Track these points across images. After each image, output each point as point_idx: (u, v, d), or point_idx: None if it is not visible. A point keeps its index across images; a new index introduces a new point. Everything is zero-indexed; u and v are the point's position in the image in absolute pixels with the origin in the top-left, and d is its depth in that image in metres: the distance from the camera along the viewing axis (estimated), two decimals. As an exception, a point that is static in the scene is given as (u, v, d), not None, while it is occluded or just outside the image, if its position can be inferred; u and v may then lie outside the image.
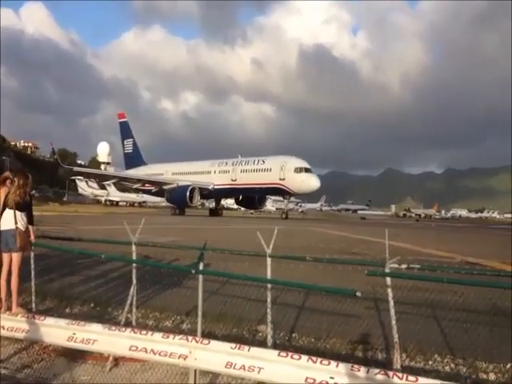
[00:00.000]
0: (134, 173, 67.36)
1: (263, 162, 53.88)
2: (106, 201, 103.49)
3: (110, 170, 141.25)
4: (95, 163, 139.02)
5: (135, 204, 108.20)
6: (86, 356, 5.32)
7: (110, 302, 7.77)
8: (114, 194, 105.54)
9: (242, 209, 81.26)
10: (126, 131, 75.33)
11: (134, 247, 6.18)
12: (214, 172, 58.25)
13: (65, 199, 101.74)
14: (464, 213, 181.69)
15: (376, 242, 16.13)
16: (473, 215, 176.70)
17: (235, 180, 55.47)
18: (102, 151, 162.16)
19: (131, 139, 74.61)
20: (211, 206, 60.43)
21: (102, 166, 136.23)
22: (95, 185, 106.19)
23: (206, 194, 57.12)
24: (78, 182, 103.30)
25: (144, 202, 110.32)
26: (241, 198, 61.67)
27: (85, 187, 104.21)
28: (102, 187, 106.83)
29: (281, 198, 61.89)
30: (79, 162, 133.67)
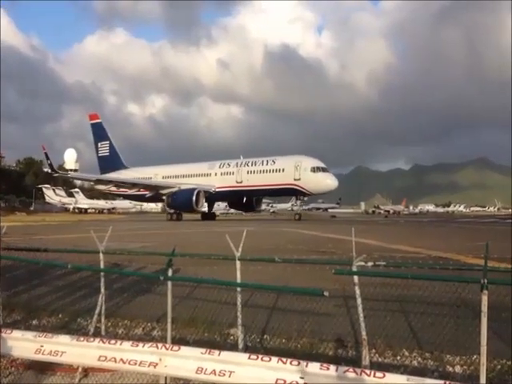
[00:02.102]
0: (117, 176, 62.61)
1: (273, 162, 51.74)
2: (74, 209, 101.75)
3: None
4: (62, 171, 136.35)
5: (104, 211, 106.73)
6: (55, 368, 5.24)
7: (78, 312, 7.66)
8: (82, 201, 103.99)
9: (232, 210, 78.74)
10: (99, 133, 70.80)
11: (101, 256, 6.12)
12: (215, 174, 55.41)
13: (32, 208, 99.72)
14: (431, 208, 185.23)
15: (344, 240, 16.29)
16: (440, 210, 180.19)
17: (241, 182, 52.88)
18: (69, 158, 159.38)
19: (107, 141, 70.00)
20: (204, 210, 57.34)
21: (59, 173, 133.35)
22: (63, 193, 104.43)
23: (208, 197, 54.07)
24: (44, 190, 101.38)
25: (113, 208, 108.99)
26: (247, 200, 58.28)
27: (52, 195, 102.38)
28: (70, 195, 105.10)
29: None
30: (46, 170, 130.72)
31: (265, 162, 52.58)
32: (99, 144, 70.38)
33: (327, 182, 49.49)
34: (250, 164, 53.76)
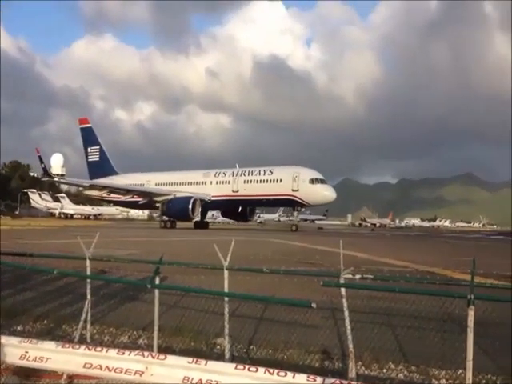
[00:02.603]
0: (110, 182, 61.49)
1: (271, 172, 51.65)
2: (60, 214, 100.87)
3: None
4: (48, 176, 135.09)
5: (90, 217, 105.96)
6: (40, 374, 5.17)
7: (63, 318, 7.58)
8: (68, 206, 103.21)
9: (219, 219, 77.84)
10: (89, 138, 69.36)
11: (88, 262, 6.09)
12: (211, 183, 55.04)
13: (17, 213, 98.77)
14: (417, 222, 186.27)
15: (332, 252, 16.35)
16: (426, 224, 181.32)
17: (237, 191, 52.54)
18: (56, 163, 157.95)
19: (97, 146, 68.72)
20: (197, 219, 55.93)
21: (56, 179, 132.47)
22: (49, 197, 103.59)
23: (203, 206, 53.22)
24: (30, 194, 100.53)
25: (100, 214, 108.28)
26: (240, 209, 57.25)
27: (38, 200, 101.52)
28: (56, 200, 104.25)
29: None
30: (32, 174, 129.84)
31: (262, 172, 52.32)
32: (89, 149, 69.25)
33: (326, 193, 49.62)
34: (246, 173, 53.42)
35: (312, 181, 48.93)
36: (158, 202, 54.20)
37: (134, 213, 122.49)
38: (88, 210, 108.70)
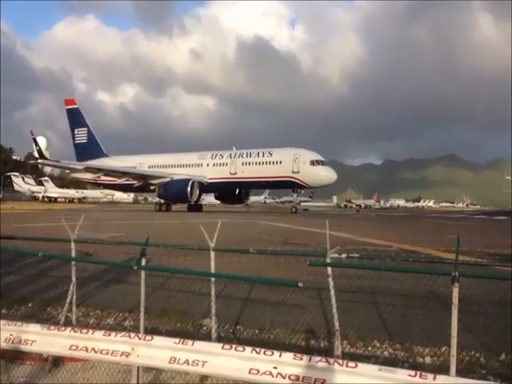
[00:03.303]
0: (103, 165, 58.57)
1: (270, 154, 50.80)
2: (43, 197, 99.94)
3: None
4: (32, 159, 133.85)
5: (74, 200, 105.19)
6: (25, 357, 5.16)
7: (49, 301, 7.54)
8: (51, 190, 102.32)
9: (205, 201, 74.31)
10: (76, 119, 66.59)
11: (72, 244, 6.04)
12: (207, 165, 53.76)
13: (0, 196, 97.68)
14: (402, 202, 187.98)
15: (318, 233, 16.41)
16: (410, 205, 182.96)
17: (235, 173, 51.58)
18: (40, 146, 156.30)
19: (85, 128, 66.07)
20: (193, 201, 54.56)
21: (51, 162, 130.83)
22: (32, 181, 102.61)
23: (200, 188, 51.95)
24: (13, 178, 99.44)
25: (84, 197, 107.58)
26: (237, 191, 56.27)
27: (21, 184, 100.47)
28: (39, 183, 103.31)
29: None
30: (15, 157, 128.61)
31: (261, 154, 51.53)
32: (76, 130, 67.02)
33: (327, 175, 49.22)
34: (244, 155, 52.56)
35: (313, 162, 48.45)
36: (154, 184, 53.16)
37: (119, 196, 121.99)
38: (72, 193, 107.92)
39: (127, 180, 55.34)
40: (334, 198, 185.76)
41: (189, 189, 49.22)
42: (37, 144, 55.32)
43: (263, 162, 50.93)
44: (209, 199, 73.43)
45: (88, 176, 60.85)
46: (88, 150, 64.18)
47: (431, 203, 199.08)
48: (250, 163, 51.72)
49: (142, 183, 54.30)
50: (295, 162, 48.55)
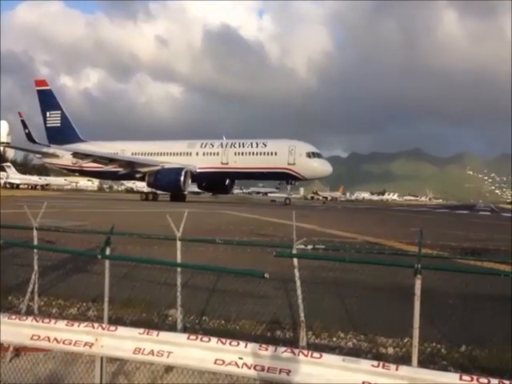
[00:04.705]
0: (93, 150, 55.07)
1: (264, 145, 50.05)
2: (5, 183, 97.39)
3: (10, 152, 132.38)
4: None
5: (37, 187, 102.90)
6: (-16, 347, 5.03)
7: (10, 289, 7.35)
8: (13, 176, 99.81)
9: (197, 190, 70.80)
10: (48, 101, 62.83)
11: (35, 232, 5.91)
12: (197, 154, 52.19)
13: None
14: (367, 195, 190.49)
15: (284, 224, 16.51)
16: (375, 198, 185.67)
17: (226, 163, 50.50)
18: (1, 131, 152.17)
19: (58, 111, 62.55)
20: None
21: (1, 147, 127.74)
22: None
23: (191, 178, 50.65)
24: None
25: (47, 184, 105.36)
26: (227, 181, 55.65)
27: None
28: (1, 169, 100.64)
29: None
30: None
31: (254, 144, 50.71)
32: (48, 113, 63.40)
33: (323, 167, 49.13)
34: (237, 145, 51.58)
35: (309, 155, 48.27)
36: (142, 172, 51.55)
37: (83, 183, 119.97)
38: (35, 179, 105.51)
39: (114, 167, 53.03)
40: (301, 190, 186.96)
41: (182, 178, 48.10)
42: (26, 127, 52.87)
43: (257, 153, 50.13)
44: (191, 188, 71.87)
45: (64, 162, 58.39)
46: (61, 134, 60.72)
47: (395, 196, 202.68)
48: (242, 153, 50.81)
49: (128, 171, 52.47)
50: (291, 154, 48.12)
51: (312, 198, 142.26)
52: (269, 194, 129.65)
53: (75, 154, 54.02)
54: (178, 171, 48.68)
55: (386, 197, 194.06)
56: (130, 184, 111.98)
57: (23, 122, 53.49)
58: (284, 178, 50.83)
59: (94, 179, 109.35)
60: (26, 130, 53.04)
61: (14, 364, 4.95)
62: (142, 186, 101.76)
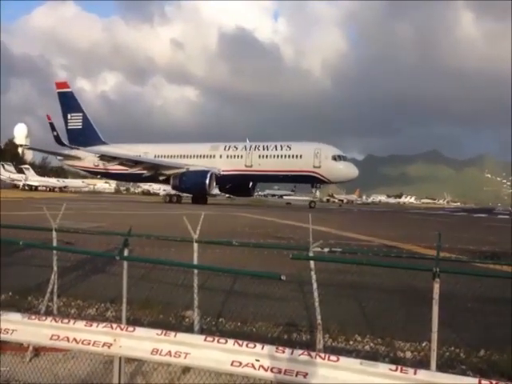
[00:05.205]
0: (119, 153, 54.46)
1: (289, 147, 49.83)
2: (24, 185, 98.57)
3: (29, 154, 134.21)
4: (12, 146, 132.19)
5: (55, 189, 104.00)
6: (5, 346, 5.10)
7: (29, 290, 7.45)
8: (32, 178, 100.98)
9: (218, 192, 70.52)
10: (69, 103, 62.52)
11: (54, 233, 5.97)
12: (220, 156, 52.20)
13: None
14: (383, 198, 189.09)
15: (300, 227, 16.50)
16: (391, 201, 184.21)
17: (250, 166, 50.18)
18: (20, 133, 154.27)
19: (79, 113, 62.25)
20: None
21: (20, 149, 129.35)
22: (12, 169, 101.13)
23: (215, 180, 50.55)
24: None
25: (65, 186, 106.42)
26: (250, 184, 55.61)
27: (1, 171, 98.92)
28: (20, 171, 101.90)
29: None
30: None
31: (279, 147, 50.48)
32: (69, 115, 63.06)
33: (349, 170, 48.88)
34: (261, 148, 51.32)
35: (335, 158, 47.91)
36: (167, 175, 51.45)
37: (100, 186, 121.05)
38: (53, 181, 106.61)
39: (139, 170, 52.90)
40: (317, 193, 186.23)
41: (207, 181, 47.91)
42: (54, 129, 52.94)
43: (282, 156, 49.90)
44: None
45: (86, 164, 58.55)
46: (82, 136, 60.36)
47: (412, 199, 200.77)
48: (267, 156, 50.56)
49: (152, 173, 52.37)
50: (316, 157, 47.77)
51: (328, 200, 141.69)
52: (284, 197, 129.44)
53: (102, 157, 53.91)
54: (203, 174, 48.52)
55: (403, 200, 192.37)
56: (146, 186, 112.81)
57: (51, 124, 53.54)
58: (309, 181, 50.41)
59: (111, 181, 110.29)
60: (55, 133, 53.13)
61: (33, 364, 5.01)
62: (157, 187, 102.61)
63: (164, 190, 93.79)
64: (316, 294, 5.06)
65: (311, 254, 5.00)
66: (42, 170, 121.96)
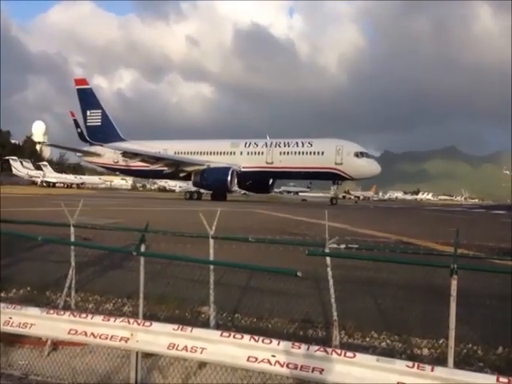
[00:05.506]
0: (140, 150, 54.65)
1: (310, 144, 49.43)
2: (42, 182, 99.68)
3: (47, 151, 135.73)
4: (30, 142, 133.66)
5: (73, 185, 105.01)
6: (24, 340, 5.17)
7: (47, 285, 7.54)
8: (50, 174, 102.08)
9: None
10: (88, 100, 62.16)
11: (72, 229, 6.03)
12: (241, 153, 51.88)
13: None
14: (400, 195, 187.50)
15: (316, 223, 16.43)
16: (408, 197, 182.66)
17: (271, 163, 50.06)
18: (38, 130, 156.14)
19: (99, 110, 62.09)
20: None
21: (38, 146, 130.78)
22: (30, 165, 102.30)
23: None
24: (12, 162, 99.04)
25: (82, 183, 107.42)
26: (271, 182, 55.62)
27: (19, 168, 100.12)
28: (38, 168, 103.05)
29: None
30: (13, 141, 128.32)
31: (300, 144, 50.24)
32: (88, 112, 62.71)
33: (372, 167, 48.75)
34: (281, 145, 51.19)
35: (357, 154, 47.68)
36: (187, 171, 51.50)
37: (117, 182, 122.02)
38: (71, 178, 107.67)
39: (161, 166, 52.85)
40: (332, 189, 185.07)
41: (229, 177, 47.93)
42: (78, 126, 53.08)
43: (303, 152, 49.59)
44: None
45: (105, 160, 58.65)
46: (102, 133, 59.76)
47: (429, 196, 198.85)
48: (288, 153, 50.34)
49: (173, 170, 52.41)
50: (338, 154, 47.44)
51: (344, 197, 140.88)
52: (300, 194, 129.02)
53: (125, 154, 54.01)
54: (224, 170, 48.49)
55: (420, 196, 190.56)
56: (162, 183, 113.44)
57: (75, 121, 53.83)
58: (330, 177, 49.98)
59: (127, 178, 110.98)
60: (79, 130, 53.30)
61: (51, 358, 5.08)
62: (173, 184, 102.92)
63: (180, 187, 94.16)
64: (332, 291, 5.04)
65: (327, 251, 4.99)
66: (59, 166, 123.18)
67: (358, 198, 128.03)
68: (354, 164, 47.54)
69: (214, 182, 49.45)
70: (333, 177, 49.39)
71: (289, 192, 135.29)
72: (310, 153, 49.30)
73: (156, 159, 52.92)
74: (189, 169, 51.58)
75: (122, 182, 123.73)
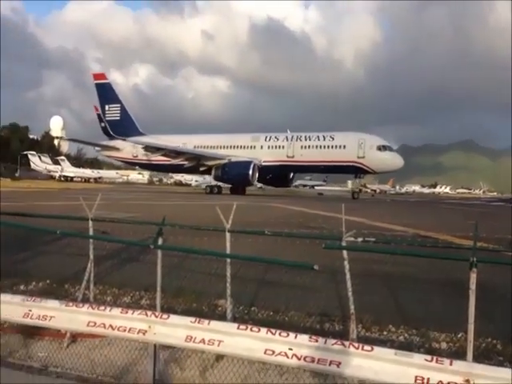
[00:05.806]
0: (161, 144, 54.25)
1: (332, 138, 49.18)
2: (60, 176, 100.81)
3: (65, 145, 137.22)
4: (48, 138, 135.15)
5: (90, 180, 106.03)
6: (43, 333, 5.24)
7: (66, 278, 7.63)
8: (68, 169, 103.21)
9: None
10: (107, 95, 62.30)
11: (90, 223, 6.08)
12: (261, 147, 51.92)
13: (17, 175, 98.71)
14: (417, 188, 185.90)
15: (333, 217, 16.38)
16: (426, 190, 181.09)
17: (292, 156, 50.06)
18: (56, 125, 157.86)
19: (118, 104, 62.22)
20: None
21: (56, 141, 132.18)
22: (48, 160, 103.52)
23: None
24: (30, 156, 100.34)
25: (100, 177, 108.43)
26: (291, 175, 56.11)
27: (38, 162, 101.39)
28: (56, 162, 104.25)
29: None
30: (31, 136, 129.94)
31: (321, 138, 49.94)
32: (107, 107, 62.69)
33: (395, 160, 48.27)
34: (303, 138, 50.97)
35: (379, 148, 47.34)
36: (208, 166, 51.48)
37: (134, 176, 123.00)
38: (88, 172, 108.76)
39: (182, 160, 52.96)
40: (349, 183, 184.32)
41: (250, 171, 47.91)
42: (102, 121, 53.33)
43: (325, 146, 49.28)
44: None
45: (124, 155, 58.74)
46: (121, 127, 59.22)
47: (447, 189, 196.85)
48: (309, 146, 50.11)
49: (193, 164, 52.36)
50: (360, 147, 47.16)
51: (360, 190, 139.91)
52: (316, 187, 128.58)
53: (146, 148, 53.96)
54: (246, 165, 48.47)
55: (437, 190, 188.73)
56: (178, 177, 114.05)
57: (99, 115, 54.05)
58: (352, 171, 49.69)
59: (144, 172, 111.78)
60: (102, 124, 53.41)
61: (70, 350, 5.14)
62: (190, 178, 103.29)
63: (196, 181, 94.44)
64: (349, 284, 5.02)
65: (344, 244, 4.96)
66: (77, 161, 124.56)
67: (375, 191, 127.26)
68: (377, 157, 47.12)
69: (235, 176, 49.48)
70: (354, 170, 49.01)
71: (305, 186, 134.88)
72: (332, 146, 48.92)
73: (177, 153, 52.86)
74: (210, 163, 51.51)
75: (139, 177, 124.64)
